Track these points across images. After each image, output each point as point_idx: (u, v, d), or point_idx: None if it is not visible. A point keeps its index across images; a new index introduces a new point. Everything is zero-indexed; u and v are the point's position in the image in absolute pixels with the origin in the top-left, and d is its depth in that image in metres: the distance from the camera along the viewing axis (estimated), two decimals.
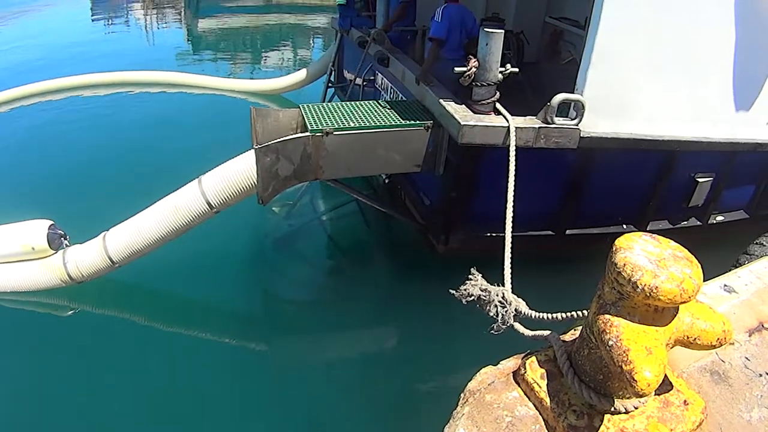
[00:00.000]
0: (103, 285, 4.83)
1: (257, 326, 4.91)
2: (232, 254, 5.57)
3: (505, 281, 3.26)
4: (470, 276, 3.09)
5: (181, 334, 4.67)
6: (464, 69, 4.17)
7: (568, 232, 4.86)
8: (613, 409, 1.87)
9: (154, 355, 4.32)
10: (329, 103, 4.77)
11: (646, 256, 1.68)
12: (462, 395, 2.09)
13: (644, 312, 1.67)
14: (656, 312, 1.68)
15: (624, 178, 4.76)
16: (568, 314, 2.33)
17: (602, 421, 1.87)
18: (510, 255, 3.44)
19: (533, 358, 2.11)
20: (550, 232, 4.83)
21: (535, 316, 2.71)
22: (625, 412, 1.88)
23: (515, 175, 3.82)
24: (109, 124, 8.64)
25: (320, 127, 4.14)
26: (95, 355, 4.29)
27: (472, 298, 3.04)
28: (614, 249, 1.72)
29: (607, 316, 1.72)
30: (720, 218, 5.42)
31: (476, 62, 4.16)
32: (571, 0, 7.57)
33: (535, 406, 2.00)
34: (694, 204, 5.04)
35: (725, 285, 2.86)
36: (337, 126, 4.20)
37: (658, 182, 4.83)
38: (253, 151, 4.10)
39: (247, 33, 16.18)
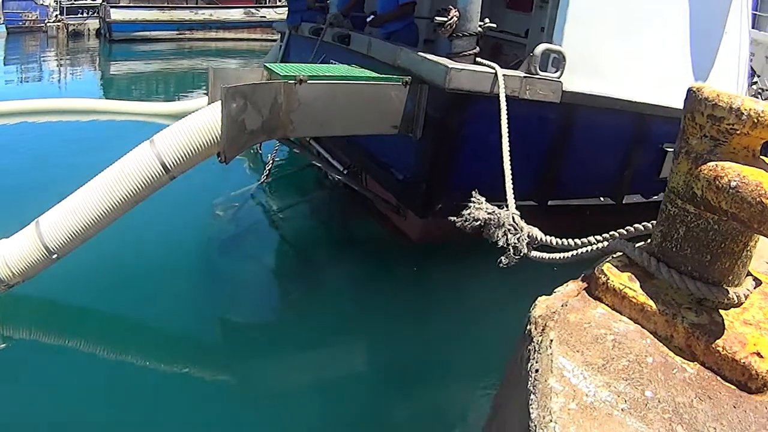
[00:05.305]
0: (26, 304, 3.89)
1: (210, 348, 3.97)
2: (174, 265, 4.68)
3: (509, 208, 2.95)
4: (473, 200, 2.78)
5: (123, 361, 3.68)
6: (444, 19, 3.96)
7: (550, 203, 4.64)
8: (726, 300, 1.53)
9: (93, 387, 3.37)
10: (295, 64, 4.40)
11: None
12: (531, 325, 1.61)
13: (744, 156, 1.45)
14: (755, 158, 1.46)
15: (600, 147, 4.66)
16: (586, 239, 2.06)
17: (721, 315, 1.53)
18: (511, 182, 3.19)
19: (608, 265, 1.71)
20: (532, 203, 4.57)
21: (556, 243, 2.40)
22: (737, 304, 1.55)
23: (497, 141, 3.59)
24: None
25: (293, 74, 3.74)
26: (27, 387, 3.35)
27: (478, 222, 2.73)
28: (693, 91, 1.48)
29: (712, 163, 1.46)
30: None
31: (457, 12, 3.97)
32: (510, 15, 7.73)
33: (631, 318, 1.60)
34: (665, 176, 5.01)
35: None
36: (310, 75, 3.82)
37: (631, 152, 4.78)
38: (214, 105, 3.62)
39: (159, 77, 15.57)
